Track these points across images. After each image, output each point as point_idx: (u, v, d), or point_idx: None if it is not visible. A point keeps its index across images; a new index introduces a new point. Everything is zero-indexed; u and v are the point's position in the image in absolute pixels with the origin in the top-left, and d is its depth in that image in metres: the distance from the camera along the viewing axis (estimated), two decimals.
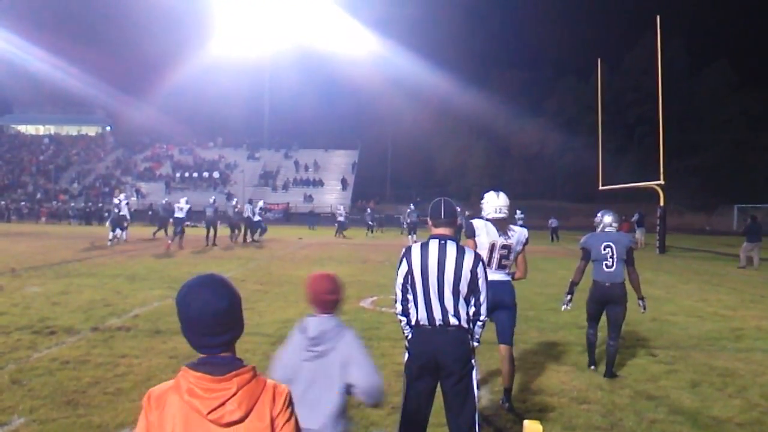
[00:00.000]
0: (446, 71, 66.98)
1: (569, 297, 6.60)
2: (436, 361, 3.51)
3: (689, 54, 71.03)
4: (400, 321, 3.68)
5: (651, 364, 6.77)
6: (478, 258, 3.58)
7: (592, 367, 6.53)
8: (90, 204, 52.31)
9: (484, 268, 3.62)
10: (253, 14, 63.54)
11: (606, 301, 6.32)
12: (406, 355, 3.63)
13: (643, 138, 62.82)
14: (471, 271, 3.52)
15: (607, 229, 6.50)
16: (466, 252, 3.57)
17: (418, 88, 69.93)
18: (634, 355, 7.15)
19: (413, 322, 3.60)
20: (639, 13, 68.52)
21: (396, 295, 3.68)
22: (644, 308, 6.44)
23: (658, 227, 25.71)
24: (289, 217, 51.14)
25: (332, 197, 55.61)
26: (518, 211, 28.29)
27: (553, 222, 33.74)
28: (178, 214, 21.90)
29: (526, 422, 3.87)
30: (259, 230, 26.34)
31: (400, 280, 3.64)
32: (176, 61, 67.60)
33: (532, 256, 22.08)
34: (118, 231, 22.75)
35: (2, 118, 79.02)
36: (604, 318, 6.47)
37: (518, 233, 5.62)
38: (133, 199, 52.48)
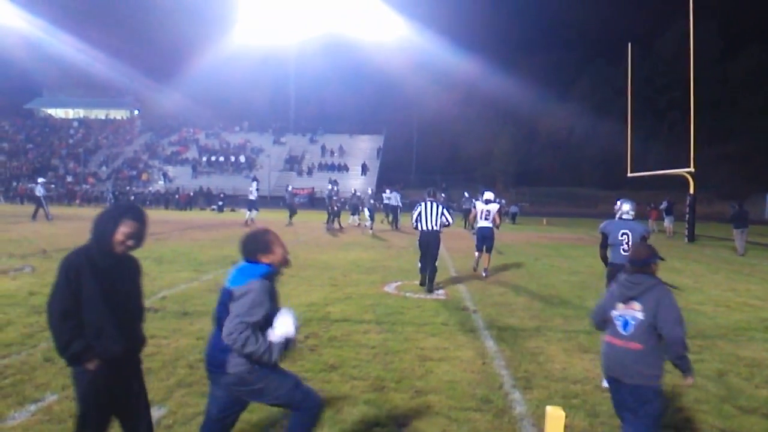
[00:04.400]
0: (473, 55, 66.48)
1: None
2: (428, 243, 10.47)
3: (723, 38, 69.54)
4: (415, 225, 10.82)
5: None
6: (443, 207, 10.79)
7: None
8: (118, 187, 53.08)
9: (444, 210, 10.72)
10: (280, 0, 63.49)
11: None
12: (417, 242, 10.85)
13: (674, 124, 61.80)
14: (441, 211, 10.64)
15: (624, 216, 7.12)
16: (440, 205, 10.80)
17: (445, 73, 69.52)
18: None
19: (420, 229, 10.62)
20: None
21: (413, 217, 10.86)
22: None
23: (687, 215, 25.33)
24: (313, 201, 51.34)
25: (357, 182, 55.71)
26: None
27: (513, 208, 38.95)
28: (393, 202, 27.59)
29: (548, 408, 3.89)
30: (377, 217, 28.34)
31: (415, 214, 10.77)
32: (203, 47, 67.97)
33: (559, 243, 21.98)
34: (253, 212, 26.85)
35: (32, 101, 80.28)
36: None
37: (494, 207, 12.76)
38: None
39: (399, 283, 10.99)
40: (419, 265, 10.70)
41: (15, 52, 67.10)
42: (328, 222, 25.85)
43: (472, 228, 16.96)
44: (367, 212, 25.73)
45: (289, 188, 31.58)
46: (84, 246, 3.15)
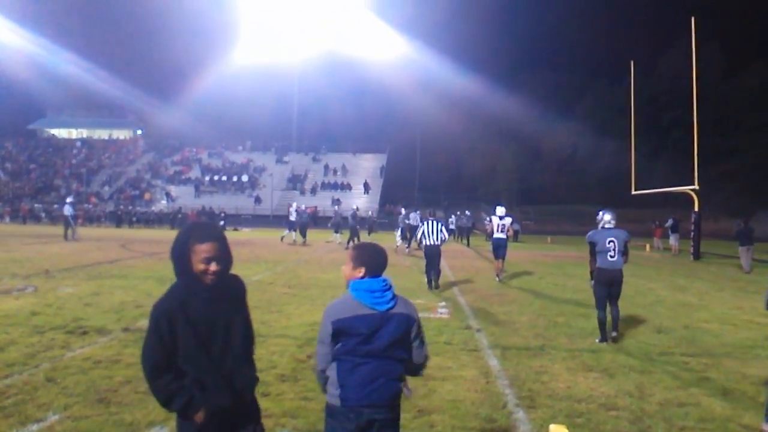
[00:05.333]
0: (476, 74, 66.89)
1: (592, 281, 8.43)
2: (432, 254, 12.93)
3: (725, 56, 69.76)
4: (420, 241, 13.38)
5: (682, 372, 6.65)
6: (441, 224, 13.44)
7: (605, 342, 7.89)
8: (121, 207, 53.22)
9: (442, 228, 13.31)
10: (282, 19, 64.08)
11: (610, 283, 7.95)
12: (424, 254, 13.25)
13: (678, 142, 61.74)
14: (440, 228, 13.23)
15: (606, 226, 8.12)
16: (440, 222, 13.63)
17: (447, 92, 69.87)
18: (665, 362, 7.02)
19: (425, 244, 13.07)
20: (673, 14, 67.65)
21: (418, 234, 13.45)
22: None
23: (692, 233, 25.25)
24: (316, 220, 51.34)
25: (360, 201, 55.80)
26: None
27: (514, 226, 38.68)
28: (413, 222, 26.92)
29: (552, 427, 3.85)
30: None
31: (419, 233, 13.31)
32: (206, 66, 68.64)
33: (564, 261, 21.89)
34: (292, 232, 28.16)
35: (36, 122, 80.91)
36: None
37: (507, 220, 14.72)
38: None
39: None
40: (425, 273, 13.34)
41: (19, 72, 67.85)
42: (349, 241, 26.19)
43: (489, 239, 19.34)
44: (399, 232, 26.13)
45: (303, 207, 32.14)
46: (173, 288, 2.68)
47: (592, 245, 8.09)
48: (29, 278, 12.91)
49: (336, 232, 29.35)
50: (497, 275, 14.99)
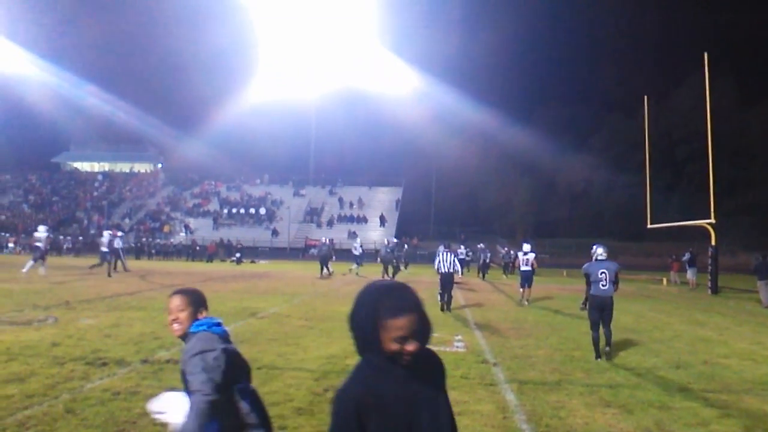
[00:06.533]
0: (490, 108, 67.11)
1: (584, 304, 10.55)
2: (446, 280, 15.12)
3: (740, 89, 69.68)
4: (437, 269, 15.34)
5: (702, 408, 6.57)
6: (454, 255, 16.27)
7: (599, 359, 8.94)
8: (141, 239, 53.68)
9: (455, 258, 16.01)
10: (299, 55, 65.14)
11: (602, 309, 9.10)
12: (439, 282, 15.46)
13: (693, 175, 61.40)
14: (454, 258, 15.81)
15: (599, 258, 9.44)
16: (453, 254, 16.22)
17: (462, 125, 70.13)
18: (684, 399, 6.94)
19: (440, 272, 15.18)
20: (687, 49, 67.76)
21: (436, 262, 15.47)
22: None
23: (710, 267, 24.99)
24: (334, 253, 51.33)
25: (376, 234, 55.83)
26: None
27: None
28: (461, 255, 28.02)
29: None
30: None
31: (436, 261, 15.47)
32: (225, 101, 69.62)
33: (580, 295, 21.71)
34: (356, 266, 29.46)
35: (59, 155, 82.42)
36: None
37: (531, 255, 17.97)
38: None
39: None
40: (439, 297, 15.52)
41: (43, 106, 69.36)
42: (387, 275, 25.85)
43: (512, 272, 22.61)
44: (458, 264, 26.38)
45: (324, 239, 32.63)
46: (357, 369, 2.03)
47: (587, 276, 9.36)
48: (50, 309, 13.05)
49: (323, 265, 28.11)
50: (526, 300, 17.57)
